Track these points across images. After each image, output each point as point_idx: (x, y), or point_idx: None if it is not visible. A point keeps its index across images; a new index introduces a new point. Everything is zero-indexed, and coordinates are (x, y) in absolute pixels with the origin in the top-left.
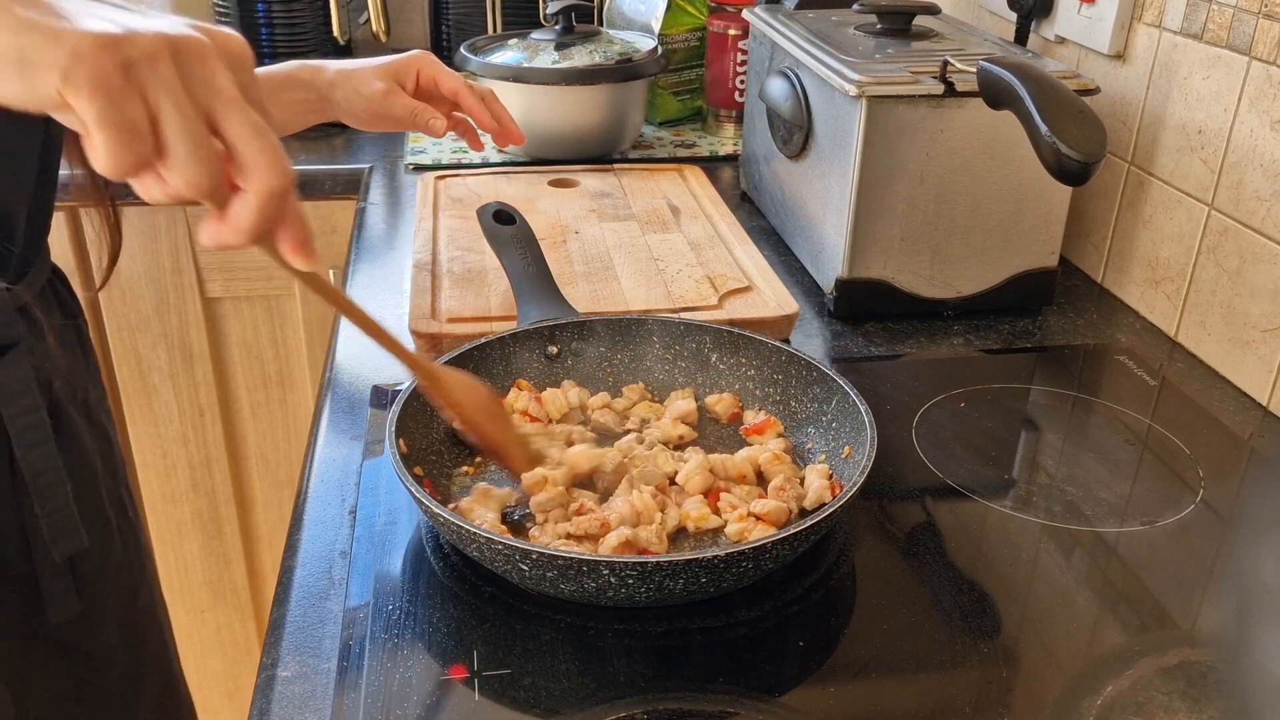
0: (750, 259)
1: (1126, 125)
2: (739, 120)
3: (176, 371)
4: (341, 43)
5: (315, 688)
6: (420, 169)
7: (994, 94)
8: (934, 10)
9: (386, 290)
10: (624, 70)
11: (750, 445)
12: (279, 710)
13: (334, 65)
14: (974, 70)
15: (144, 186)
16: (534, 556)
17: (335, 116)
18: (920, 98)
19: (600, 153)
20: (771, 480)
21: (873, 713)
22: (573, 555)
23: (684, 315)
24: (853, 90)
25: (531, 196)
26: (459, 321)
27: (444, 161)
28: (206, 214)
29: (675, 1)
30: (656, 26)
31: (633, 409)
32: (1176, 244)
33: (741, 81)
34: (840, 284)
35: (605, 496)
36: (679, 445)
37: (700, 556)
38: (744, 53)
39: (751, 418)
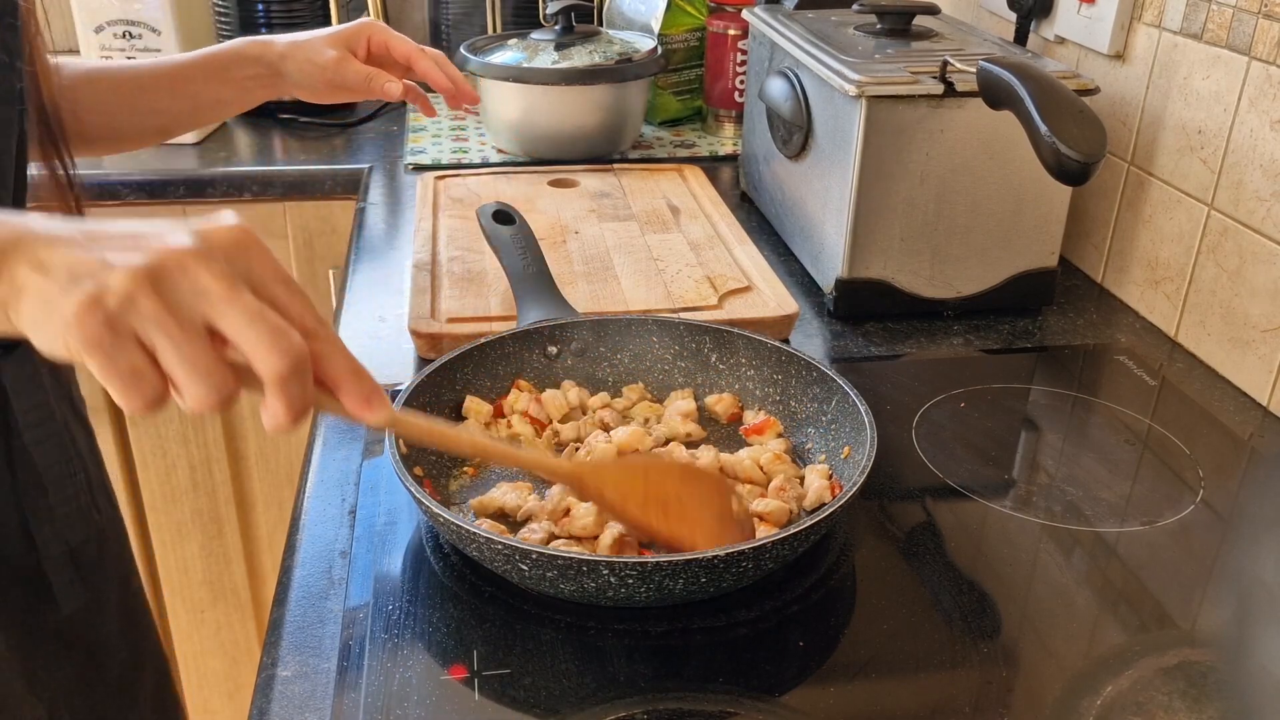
0: (750, 259)
1: (1126, 125)
2: (739, 120)
3: None
4: None
5: (315, 688)
6: (420, 169)
7: (994, 94)
8: (934, 10)
9: (386, 290)
10: (624, 70)
11: (750, 445)
12: (279, 710)
13: (283, 38)
14: (974, 70)
15: (182, 405)
16: (534, 556)
17: (287, 91)
18: (920, 98)
19: (600, 153)
20: (771, 480)
21: (873, 713)
22: (573, 555)
23: (684, 315)
24: (852, 90)
25: (531, 196)
26: (459, 321)
27: (444, 161)
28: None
29: (675, 1)
30: (656, 26)
31: (633, 409)
32: (1176, 244)
33: (741, 81)
34: (840, 284)
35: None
36: (688, 444)
37: (700, 556)
38: (744, 53)
39: (751, 418)
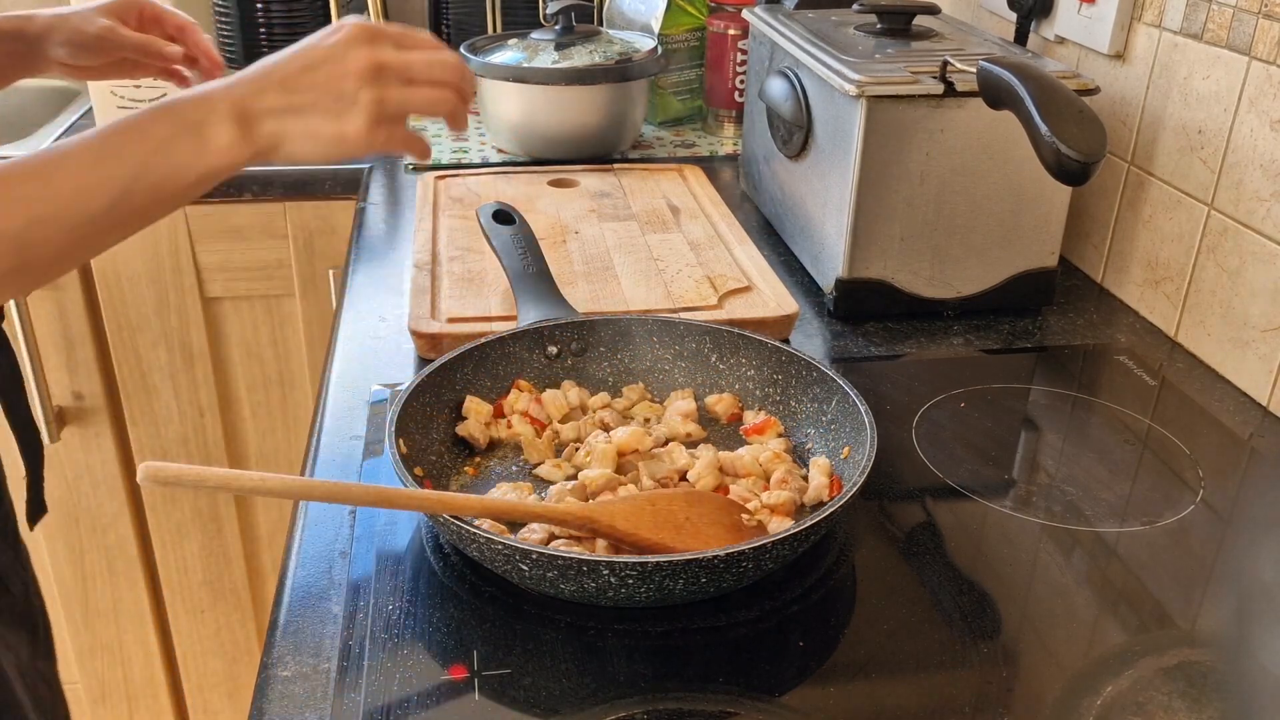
0: (750, 259)
1: (1126, 125)
2: (739, 120)
3: (176, 371)
4: None
5: (315, 688)
6: (420, 169)
7: (994, 94)
8: (934, 10)
9: (386, 290)
10: (624, 70)
11: (750, 445)
12: (279, 710)
13: (45, 13)
14: (974, 70)
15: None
16: (534, 556)
17: (49, 68)
18: (920, 98)
19: (600, 153)
20: (772, 475)
21: (873, 713)
22: (573, 555)
23: (684, 315)
24: (852, 90)
25: (531, 196)
26: (459, 321)
27: (444, 161)
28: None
29: (675, 1)
30: (656, 26)
31: (633, 409)
32: (1176, 244)
33: (741, 81)
34: (840, 284)
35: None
36: (688, 443)
37: (700, 556)
38: (744, 53)
39: (751, 418)
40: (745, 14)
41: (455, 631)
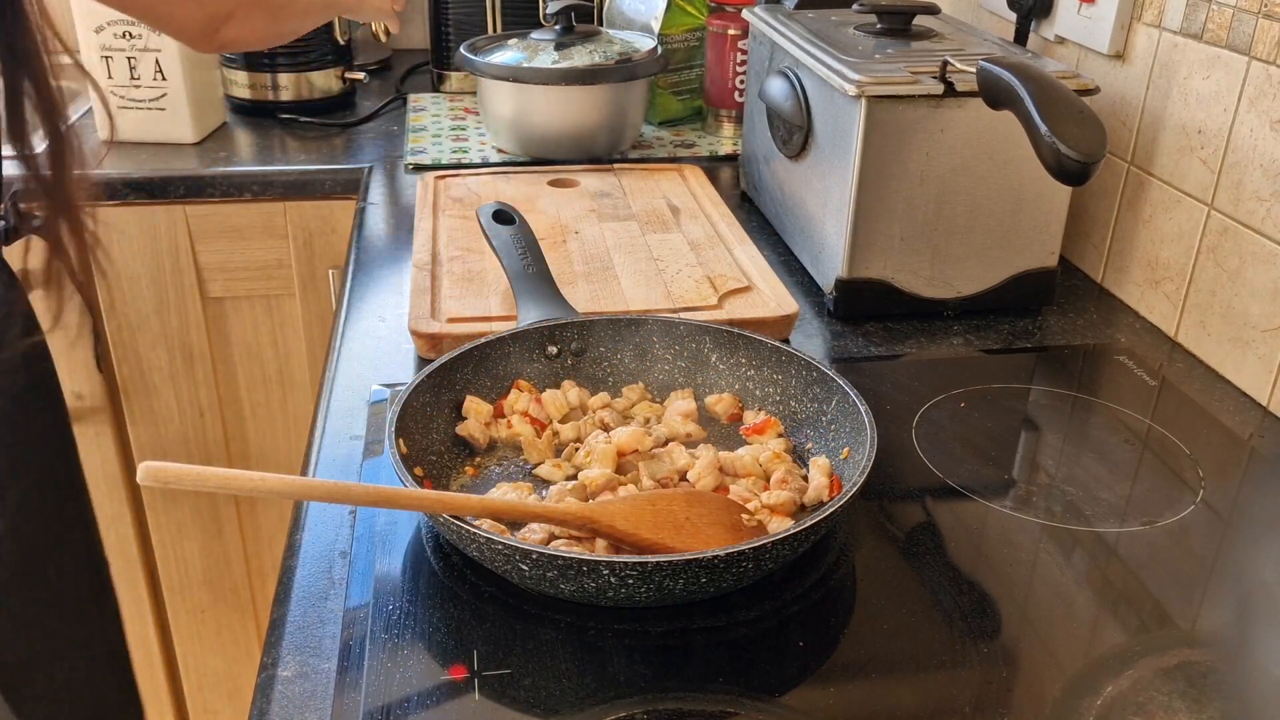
0: (750, 259)
1: (1126, 125)
2: (739, 120)
3: (176, 371)
4: (341, 42)
5: (315, 688)
6: (420, 169)
7: (994, 94)
8: (934, 10)
9: (386, 290)
10: (624, 70)
11: (750, 445)
12: (279, 710)
13: None
14: (974, 70)
15: None
16: (534, 556)
17: None
18: (920, 98)
19: (600, 153)
20: (772, 475)
21: (873, 713)
22: (573, 555)
23: (684, 315)
24: (852, 90)
25: (531, 196)
26: (459, 321)
27: (444, 161)
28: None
29: (675, 1)
30: (656, 26)
31: (633, 409)
32: (1176, 244)
33: (741, 81)
34: (840, 284)
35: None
36: (688, 443)
37: (700, 556)
38: (744, 53)
39: (751, 418)
40: (745, 14)
41: (455, 631)
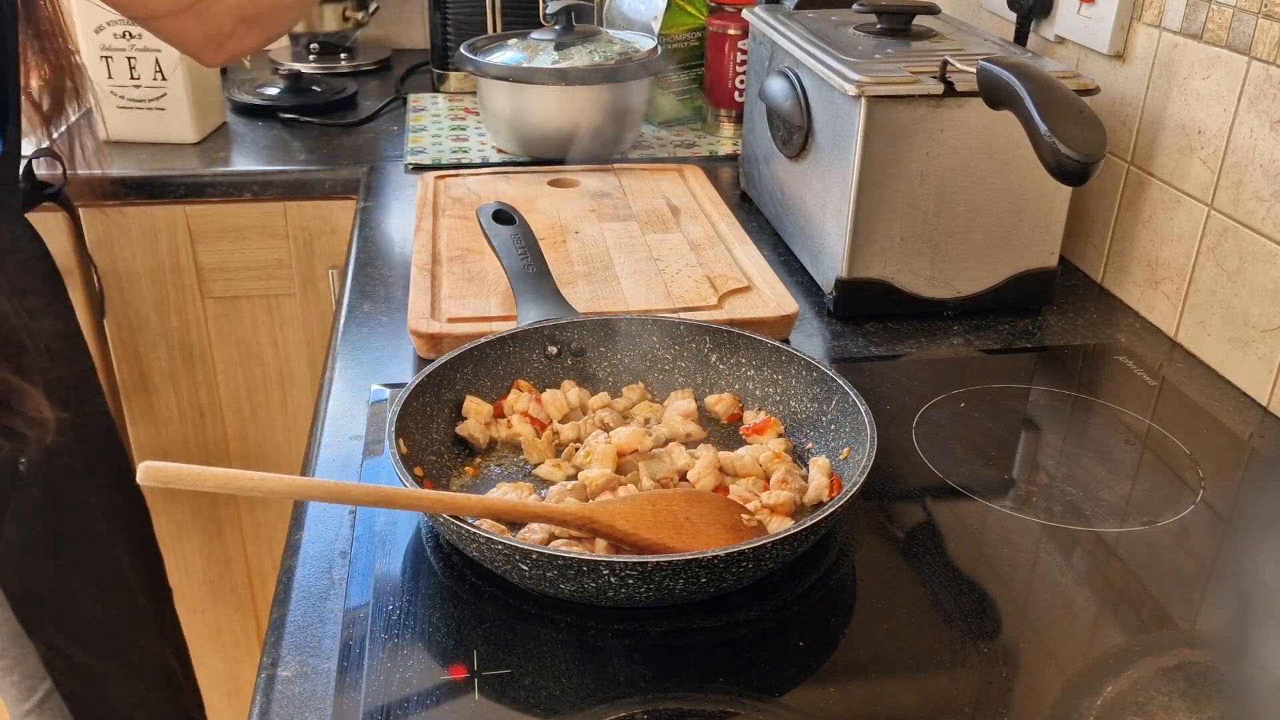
0: (750, 259)
1: (1126, 125)
2: (739, 120)
3: (176, 371)
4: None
5: (315, 688)
6: (420, 169)
7: (994, 94)
8: (934, 10)
9: (386, 290)
10: (624, 70)
11: (750, 445)
12: (279, 710)
13: None
14: (974, 70)
15: None
16: (534, 556)
17: None
18: (920, 98)
19: (600, 153)
20: (772, 475)
21: (873, 713)
22: (573, 555)
23: (684, 315)
24: (852, 90)
25: (531, 196)
26: (459, 321)
27: (444, 161)
28: None
29: (675, 1)
30: (656, 26)
31: (633, 409)
32: (1176, 244)
33: (741, 81)
34: (840, 284)
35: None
36: (688, 443)
37: (700, 556)
38: (744, 53)
39: (751, 418)
40: (745, 14)
41: (455, 631)
